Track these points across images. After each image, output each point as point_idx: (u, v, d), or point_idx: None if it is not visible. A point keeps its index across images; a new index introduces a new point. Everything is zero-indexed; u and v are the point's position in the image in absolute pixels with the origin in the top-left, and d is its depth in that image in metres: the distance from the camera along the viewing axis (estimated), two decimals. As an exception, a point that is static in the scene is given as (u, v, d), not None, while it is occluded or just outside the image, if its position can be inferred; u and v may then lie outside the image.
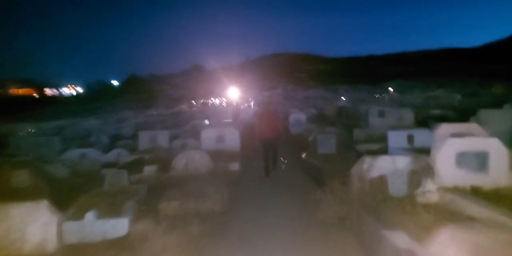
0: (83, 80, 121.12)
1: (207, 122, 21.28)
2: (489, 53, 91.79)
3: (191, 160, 8.20)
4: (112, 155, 12.39)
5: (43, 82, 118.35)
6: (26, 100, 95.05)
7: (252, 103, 45.01)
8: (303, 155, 10.59)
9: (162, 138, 12.40)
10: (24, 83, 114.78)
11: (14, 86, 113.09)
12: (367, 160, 5.16)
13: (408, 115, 12.72)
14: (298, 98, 50.01)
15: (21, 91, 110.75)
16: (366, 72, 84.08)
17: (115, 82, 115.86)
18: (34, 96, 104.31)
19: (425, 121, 14.20)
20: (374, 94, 42.41)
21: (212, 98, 59.43)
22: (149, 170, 8.33)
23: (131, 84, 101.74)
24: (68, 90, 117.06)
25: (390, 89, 43.88)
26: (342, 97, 39.29)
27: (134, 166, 9.40)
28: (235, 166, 9.19)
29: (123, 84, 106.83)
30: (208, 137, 11.47)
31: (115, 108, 72.09)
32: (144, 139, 12.39)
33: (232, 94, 57.78)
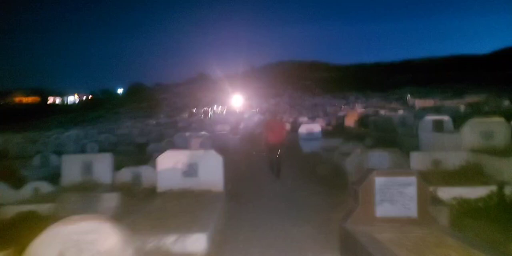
0: (90, 88, 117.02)
1: (202, 133, 16.36)
2: (499, 59, 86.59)
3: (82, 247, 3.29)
4: (26, 192, 7.71)
5: (50, 90, 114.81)
6: (30, 109, 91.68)
7: (256, 111, 40.27)
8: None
9: (101, 166, 7.54)
10: (31, 92, 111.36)
11: (21, 95, 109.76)
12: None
13: (500, 128, 7.72)
14: (306, 106, 45.16)
15: (28, 100, 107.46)
16: (374, 79, 79.09)
17: (120, 91, 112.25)
18: (38, 105, 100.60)
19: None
20: (390, 101, 37.36)
21: (214, 107, 54.78)
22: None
23: (135, 92, 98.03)
24: (73, 99, 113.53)
25: (409, 95, 38.86)
26: (356, 104, 34.32)
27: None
28: (197, 244, 4.30)
29: (127, 93, 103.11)
30: (168, 166, 6.64)
31: (115, 117, 68.20)
32: (70, 168, 7.55)
33: (236, 102, 53.30)
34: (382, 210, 4.07)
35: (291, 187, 8.15)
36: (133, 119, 54.07)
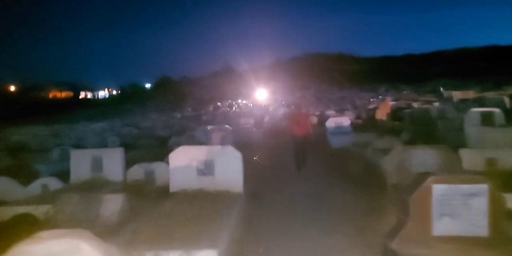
0: (118, 83, 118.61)
1: (224, 127, 15.64)
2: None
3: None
4: (34, 188, 7.18)
5: (82, 85, 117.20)
6: (63, 103, 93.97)
7: (282, 104, 39.27)
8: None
9: (111, 162, 6.88)
10: (65, 87, 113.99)
11: (55, 89, 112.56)
12: None
13: None
14: (333, 99, 43.75)
15: (61, 95, 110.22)
16: (404, 71, 76.22)
17: (148, 85, 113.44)
18: (70, 99, 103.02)
19: None
20: (422, 93, 35.51)
21: (239, 100, 54.19)
22: None
23: (163, 86, 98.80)
24: (103, 93, 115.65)
25: (441, 88, 36.80)
26: (387, 97, 32.73)
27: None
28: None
29: (154, 86, 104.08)
30: (182, 164, 5.87)
31: (143, 110, 68.74)
32: (79, 164, 6.93)
33: (261, 95, 52.45)
34: (442, 227, 3.13)
35: (319, 187, 7.25)
36: (159, 113, 54.20)
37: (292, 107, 22.24)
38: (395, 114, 15.48)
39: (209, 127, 15.55)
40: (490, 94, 20.67)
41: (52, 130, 22.76)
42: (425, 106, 18.00)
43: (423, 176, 3.28)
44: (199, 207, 5.18)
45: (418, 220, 3.21)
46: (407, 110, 14.73)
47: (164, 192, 6.20)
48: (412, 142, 9.16)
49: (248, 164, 8.13)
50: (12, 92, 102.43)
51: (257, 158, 9.87)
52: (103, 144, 14.86)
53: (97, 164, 6.98)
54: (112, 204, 4.91)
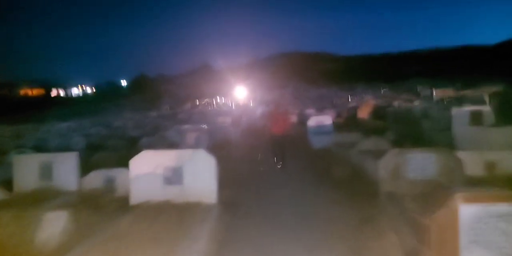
0: (93, 80, 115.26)
1: (200, 126, 14.71)
2: (507, 50, 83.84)
3: None
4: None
5: (54, 82, 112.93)
6: (34, 101, 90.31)
7: (260, 103, 38.50)
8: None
9: (63, 169, 5.91)
10: (36, 84, 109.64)
11: (26, 86, 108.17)
12: None
13: None
14: (311, 97, 43.32)
15: (32, 92, 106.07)
16: (381, 70, 76.78)
17: (124, 82, 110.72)
18: (42, 97, 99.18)
19: None
20: (399, 92, 35.42)
21: (217, 98, 53.24)
22: None
23: (139, 84, 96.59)
24: (77, 91, 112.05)
25: (418, 87, 36.83)
26: (365, 96, 32.46)
27: None
28: None
29: (130, 84, 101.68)
30: (145, 172, 4.99)
31: (118, 109, 66.69)
32: (25, 171, 5.93)
33: (239, 94, 51.64)
34: (472, 260, 2.39)
35: (302, 194, 6.48)
36: (135, 111, 52.52)
37: (270, 105, 21.63)
38: (378, 113, 14.95)
39: (183, 127, 14.63)
40: (469, 93, 20.52)
41: (16, 130, 21.23)
42: (405, 105, 17.58)
43: (446, 193, 2.53)
44: (163, 224, 4.30)
45: (440, 249, 2.45)
46: (389, 109, 14.20)
47: (125, 204, 5.30)
48: (398, 143, 8.51)
49: (224, 167, 7.31)
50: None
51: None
52: (67, 146, 13.70)
53: (46, 171, 5.97)
54: (53, 224, 3.99)
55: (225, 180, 6.44)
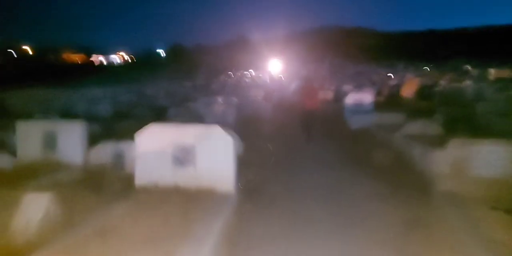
0: (133, 49, 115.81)
1: (231, 99, 13.90)
2: None
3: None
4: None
5: (95, 49, 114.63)
6: (76, 67, 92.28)
7: (296, 77, 37.05)
8: None
9: (68, 139, 5.25)
10: (78, 50, 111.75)
11: (68, 52, 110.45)
12: None
13: None
14: (349, 74, 41.26)
15: (75, 58, 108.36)
16: (425, 48, 72.31)
17: (161, 51, 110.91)
18: (83, 63, 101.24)
19: None
20: (444, 71, 32.91)
21: (252, 70, 51.97)
22: None
23: (176, 53, 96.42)
24: (117, 58, 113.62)
25: (468, 66, 34.05)
26: (407, 74, 30.34)
27: None
28: None
29: (168, 54, 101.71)
30: (153, 149, 4.17)
31: (155, 77, 67.00)
32: (28, 140, 5.31)
33: (274, 67, 50.16)
34: None
35: (336, 183, 5.53)
36: (171, 80, 52.36)
37: (302, 80, 20.45)
38: (422, 92, 13.48)
39: (212, 99, 13.84)
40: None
41: (48, 94, 21.19)
42: (453, 85, 15.90)
43: None
44: (166, 216, 3.52)
45: None
46: (436, 89, 12.70)
47: (129, 184, 4.57)
48: (450, 128, 7.29)
49: (248, 145, 6.45)
50: (26, 53, 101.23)
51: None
52: (94, 112, 13.28)
53: (50, 141, 5.33)
54: (34, 208, 3.29)
55: (247, 161, 5.59)
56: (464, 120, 8.10)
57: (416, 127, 7.13)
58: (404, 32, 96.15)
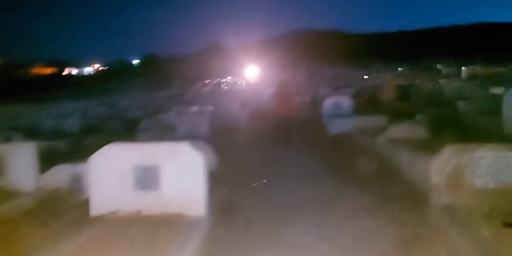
0: (105, 59, 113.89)
1: (205, 108, 13.39)
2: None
3: None
4: None
5: (67, 61, 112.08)
6: (47, 80, 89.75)
7: (272, 83, 36.81)
8: None
9: (18, 163, 4.61)
10: (49, 63, 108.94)
11: (39, 66, 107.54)
12: None
13: None
14: (325, 77, 41.33)
15: (45, 71, 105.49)
16: (397, 48, 73.64)
17: (135, 62, 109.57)
18: (54, 76, 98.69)
19: None
20: (418, 71, 33.35)
21: (227, 78, 51.66)
22: None
23: (150, 63, 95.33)
24: (89, 70, 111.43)
25: (440, 65, 34.58)
26: (382, 74, 30.55)
27: None
28: None
29: (141, 64, 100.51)
30: (110, 172, 3.58)
31: (129, 88, 65.67)
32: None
33: (250, 73, 49.98)
34: None
35: (321, 196, 5.08)
36: (145, 91, 51.33)
37: (276, 85, 20.41)
38: (400, 93, 13.30)
39: (186, 108, 13.30)
40: (498, 71, 18.58)
41: (15, 111, 20.16)
42: (430, 84, 15.85)
43: None
44: (127, 250, 2.98)
45: None
46: (414, 89, 12.54)
47: (86, 213, 3.99)
48: (436, 129, 6.99)
49: (222, 157, 5.95)
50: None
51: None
52: (60, 128, 12.51)
53: (-4, 167, 4.69)
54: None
55: (220, 176, 5.09)
56: (448, 121, 7.84)
57: (400, 130, 6.77)
58: (377, 34, 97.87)
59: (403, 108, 10.58)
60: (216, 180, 4.55)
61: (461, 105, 9.19)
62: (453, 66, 31.88)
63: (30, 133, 11.70)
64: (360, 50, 73.19)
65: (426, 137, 6.53)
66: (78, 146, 9.50)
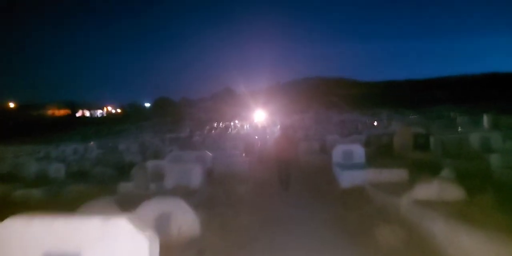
0: (120, 102, 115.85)
1: (204, 154, 12.10)
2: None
3: None
4: None
5: (81, 104, 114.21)
6: (59, 121, 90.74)
7: (279, 128, 35.87)
8: None
9: None
10: (63, 105, 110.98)
11: (53, 107, 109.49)
12: None
13: None
14: (333, 122, 40.28)
15: (59, 112, 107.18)
16: (406, 96, 73.19)
17: (147, 105, 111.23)
18: (67, 117, 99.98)
19: None
20: (429, 119, 32.12)
21: (236, 122, 51.09)
22: None
23: (161, 106, 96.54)
24: (101, 112, 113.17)
25: (452, 114, 33.39)
26: (393, 121, 29.35)
27: None
28: None
29: (153, 107, 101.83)
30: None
31: (139, 131, 65.42)
32: None
33: (259, 118, 49.44)
34: None
35: None
36: (155, 133, 50.82)
37: (280, 129, 19.49)
38: (418, 142, 11.97)
39: (183, 153, 12.05)
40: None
41: (5, 153, 19.19)
42: (448, 133, 14.47)
43: None
44: None
45: None
46: (437, 138, 11.19)
47: None
48: (472, 189, 5.56)
49: (209, 216, 4.60)
50: (11, 109, 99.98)
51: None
52: (45, 173, 11.30)
53: None
54: None
55: (201, 249, 3.73)
56: (484, 178, 6.42)
57: (430, 189, 5.38)
58: (385, 82, 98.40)
59: (423, 159, 9.19)
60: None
61: (493, 158, 7.79)
62: (465, 115, 30.62)
63: (7, 178, 10.54)
64: (368, 97, 73.00)
65: (462, 199, 5.12)
66: (53, 195, 8.24)
